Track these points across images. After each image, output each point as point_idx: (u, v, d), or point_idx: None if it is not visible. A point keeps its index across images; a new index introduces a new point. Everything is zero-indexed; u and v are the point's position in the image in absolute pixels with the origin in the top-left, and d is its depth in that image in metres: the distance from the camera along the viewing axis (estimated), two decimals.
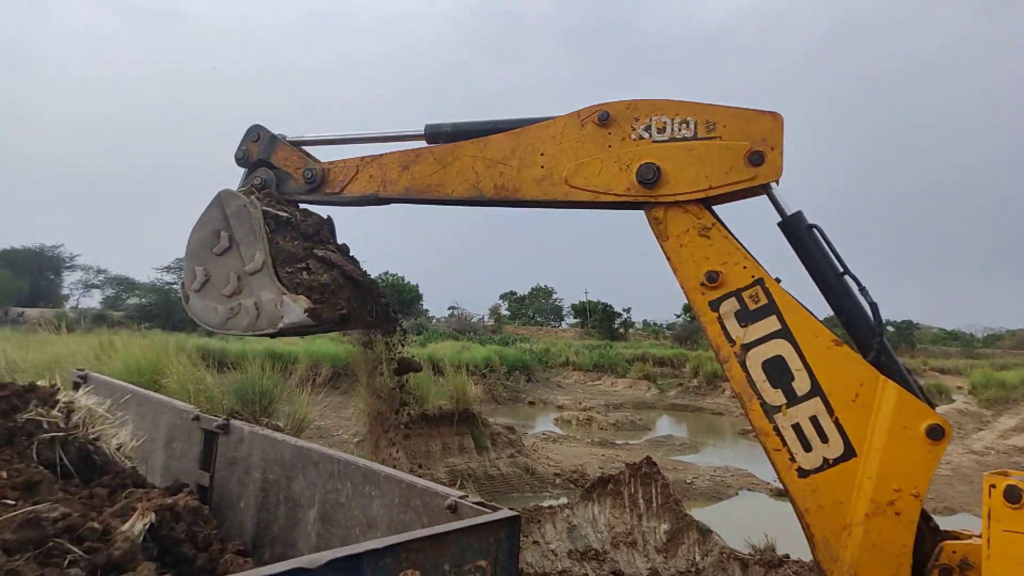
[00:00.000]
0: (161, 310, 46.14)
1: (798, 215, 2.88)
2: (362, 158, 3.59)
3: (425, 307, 75.95)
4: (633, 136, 2.96)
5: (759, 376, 2.79)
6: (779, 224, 2.94)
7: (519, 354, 35.08)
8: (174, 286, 53.71)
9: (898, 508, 2.55)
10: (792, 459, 2.75)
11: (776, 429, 2.76)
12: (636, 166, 2.91)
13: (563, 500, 10.90)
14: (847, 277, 2.84)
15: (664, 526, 8.50)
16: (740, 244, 2.89)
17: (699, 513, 9.83)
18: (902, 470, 2.57)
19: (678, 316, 73.11)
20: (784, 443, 2.75)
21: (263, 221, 3.27)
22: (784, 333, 2.76)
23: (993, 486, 2.40)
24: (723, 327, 2.85)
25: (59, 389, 3.71)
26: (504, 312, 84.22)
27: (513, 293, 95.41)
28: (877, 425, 2.61)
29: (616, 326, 67.11)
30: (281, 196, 3.72)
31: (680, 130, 2.90)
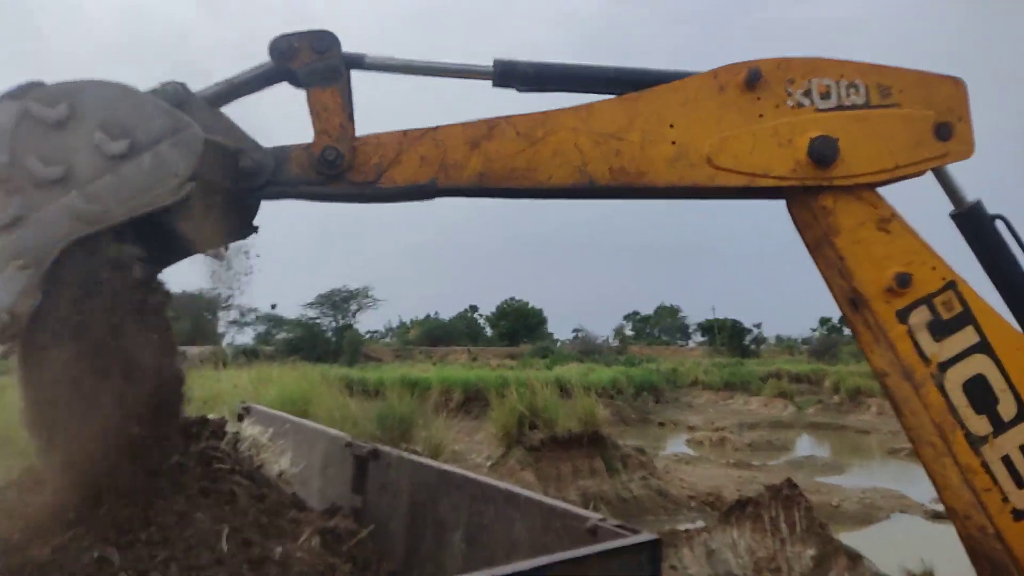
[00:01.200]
0: (306, 343, 49.08)
1: (978, 205, 2.44)
2: (404, 132, 2.50)
3: (550, 330, 76.62)
4: (790, 103, 2.37)
5: (961, 401, 2.34)
6: (952, 215, 2.52)
7: (646, 374, 34.58)
8: (318, 320, 57.32)
9: None
10: (1005, 499, 2.32)
11: (984, 464, 2.33)
12: (804, 141, 2.33)
13: (700, 524, 10.63)
14: None
15: (810, 551, 8.12)
16: (923, 240, 2.41)
17: (847, 538, 9.30)
18: None
19: (814, 330, 69.61)
20: (995, 480, 2.32)
21: None
22: (983, 347, 2.32)
23: None
24: (915, 343, 2.35)
25: (227, 421, 4.12)
26: (629, 332, 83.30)
27: (637, 313, 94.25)
28: None
29: (747, 342, 64.58)
30: (274, 191, 2.52)
31: (849, 95, 2.36)
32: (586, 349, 55.24)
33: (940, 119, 2.34)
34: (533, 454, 13.81)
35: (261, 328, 59.58)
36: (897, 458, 20.16)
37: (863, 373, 38.47)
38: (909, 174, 2.38)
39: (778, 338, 76.01)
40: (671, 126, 2.38)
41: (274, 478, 3.54)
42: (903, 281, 2.32)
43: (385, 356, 54.56)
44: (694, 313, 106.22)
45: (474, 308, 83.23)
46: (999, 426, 2.31)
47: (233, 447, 3.77)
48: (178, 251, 2.61)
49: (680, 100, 2.40)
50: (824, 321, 69.25)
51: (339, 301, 57.50)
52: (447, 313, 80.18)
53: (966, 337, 2.33)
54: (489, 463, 13.96)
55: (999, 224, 2.45)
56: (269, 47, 2.49)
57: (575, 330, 72.69)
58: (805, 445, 23.71)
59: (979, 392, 2.31)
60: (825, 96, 2.36)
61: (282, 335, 55.20)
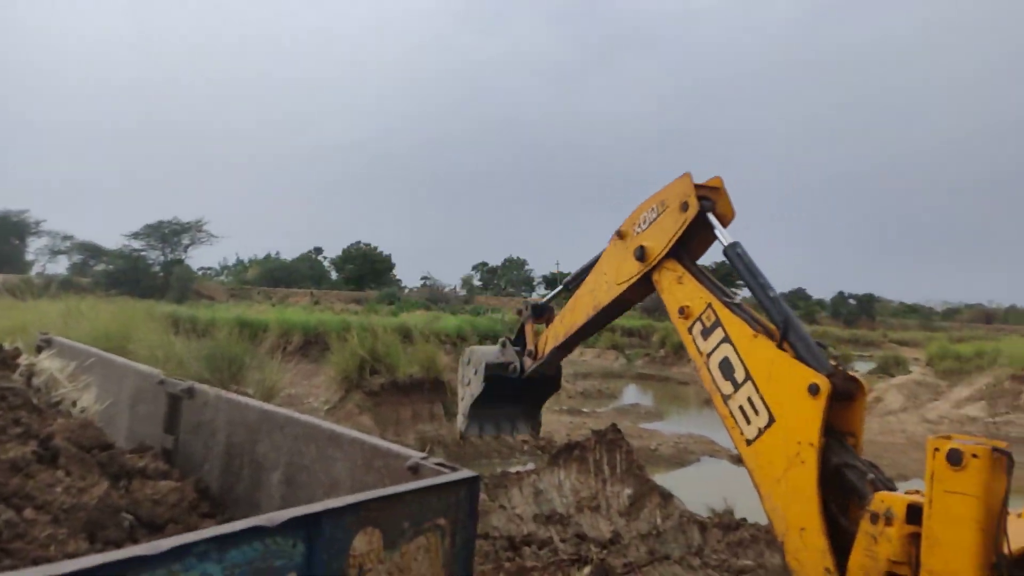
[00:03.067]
0: (129, 277, 45.39)
1: (731, 245, 3.59)
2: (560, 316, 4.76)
3: (398, 277, 75.82)
4: (634, 234, 4.01)
5: (717, 375, 3.47)
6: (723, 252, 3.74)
7: (491, 324, 35.22)
8: (143, 253, 52.95)
9: (803, 458, 2.98)
10: (741, 433, 3.31)
11: (730, 413, 3.38)
12: (632, 251, 3.97)
13: (530, 466, 11.09)
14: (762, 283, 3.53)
15: (627, 491, 8.71)
16: (703, 282, 3.67)
17: (662, 478, 10.09)
18: (799, 425, 3.04)
19: None
20: (736, 422, 3.35)
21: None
22: (727, 339, 3.45)
23: (937, 449, 2.49)
24: (695, 344, 3.61)
25: (20, 352, 3.70)
26: (476, 283, 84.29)
27: (485, 264, 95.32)
28: (782, 393, 3.15)
29: None
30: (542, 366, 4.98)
31: (652, 214, 3.91)
32: (433, 297, 55.34)
33: (681, 201, 3.73)
34: (372, 398, 13.72)
35: (78, 258, 54.33)
36: (710, 408, 22.01)
37: None
38: (678, 238, 3.73)
39: None
40: (604, 273, 4.24)
41: (75, 414, 3.25)
42: (682, 311, 3.68)
43: (219, 295, 51.68)
44: (540, 266, 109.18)
45: (319, 250, 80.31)
46: (736, 386, 3.37)
47: (27, 380, 3.41)
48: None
49: (605, 257, 4.27)
50: None
51: (168, 234, 53.36)
52: (289, 254, 76.91)
53: (718, 335, 3.49)
54: (326, 407, 13.71)
55: (736, 251, 3.57)
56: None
57: (423, 278, 72.43)
58: (631, 394, 25.37)
59: (726, 368, 3.43)
60: (643, 222, 3.96)
61: (101, 267, 50.57)
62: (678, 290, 3.75)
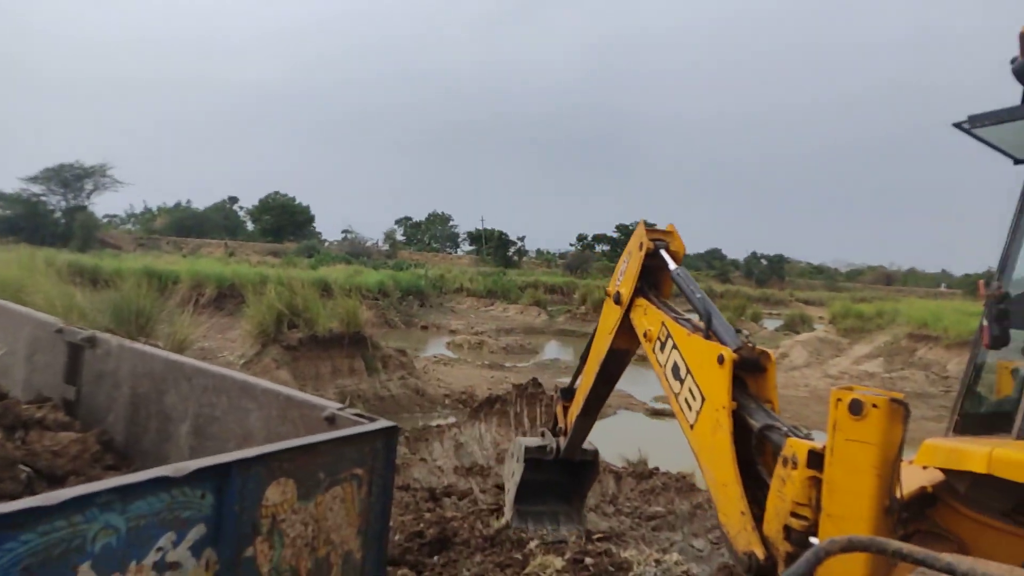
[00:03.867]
0: (27, 223, 42.61)
1: (675, 270, 4.30)
2: None
3: (317, 229, 73.84)
4: (615, 288, 4.72)
5: (670, 378, 3.88)
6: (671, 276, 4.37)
7: (413, 279, 34.95)
8: (43, 198, 49.60)
9: (720, 422, 3.28)
10: (687, 420, 3.65)
11: (680, 407, 3.76)
12: (613, 298, 4.73)
13: (451, 420, 11.18)
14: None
15: None
16: (661, 308, 4.27)
17: None
18: (715, 393, 3.38)
19: (572, 245, 74.65)
20: (683, 413, 3.71)
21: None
22: (674, 345, 3.92)
23: (839, 400, 2.61)
24: (656, 358, 4.10)
25: None
26: (399, 238, 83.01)
27: (409, 218, 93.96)
28: (705, 372, 3.49)
29: (510, 254, 67.80)
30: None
31: (623, 266, 4.67)
32: (355, 251, 54.28)
33: (637, 243, 4.49)
34: (291, 353, 13.44)
35: None
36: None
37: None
38: (641, 275, 4.49)
39: (539, 251, 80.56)
40: (600, 330, 5.11)
41: None
42: (646, 335, 4.28)
43: (126, 244, 49.20)
44: (465, 222, 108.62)
45: (234, 199, 76.92)
46: (681, 381, 3.77)
47: None
48: None
49: (601, 317, 5.09)
50: (581, 238, 74.42)
51: (71, 178, 50.16)
52: (202, 203, 73.50)
53: (669, 345, 3.97)
54: (242, 361, 13.35)
55: (679, 274, 4.26)
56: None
57: (344, 231, 70.46)
58: (553, 349, 25.77)
59: (675, 370, 3.85)
60: (619, 275, 4.70)
61: None
62: (644, 320, 4.36)
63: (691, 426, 3.59)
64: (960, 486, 3.04)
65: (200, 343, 14.95)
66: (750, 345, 3.43)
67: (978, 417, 3.52)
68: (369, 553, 2.03)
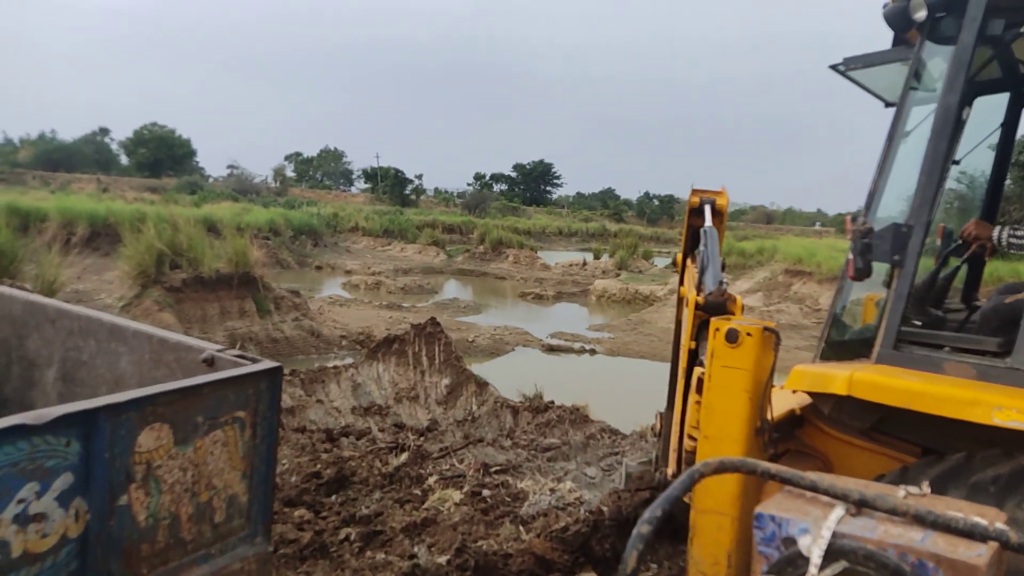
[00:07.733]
0: None
1: (705, 228, 3.78)
2: None
3: (200, 164, 69.63)
4: None
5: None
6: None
7: (306, 218, 33.85)
8: None
9: (683, 359, 3.35)
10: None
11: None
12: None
13: (348, 361, 11.04)
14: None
15: (445, 381, 8.97)
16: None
17: (478, 368, 10.47)
18: (684, 334, 3.38)
19: (469, 185, 74.19)
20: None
21: None
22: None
23: (717, 329, 2.75)
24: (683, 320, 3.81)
25: None
26: (290, 174, 79.61)
27: (299, 154, 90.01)
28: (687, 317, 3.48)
29: (408, 192, 66.65)
30: None
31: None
32: (241, 188, 51.60)
33: (691, 206, 4.03)
34: (174, 295, 12.79)
35: None
36: (525, 301, 23.08)
37: (505, 227, 42.58)
38: (687, 235, 4.12)
39: (436, 190, 79.58)
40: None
41: None
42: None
43: None
44: (359, 159, 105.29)
45: (105, 131, 71.04)
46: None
47: None
48: None
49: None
50: (479, 177, 74.07)
51: None
52: (69, 134, 67.59)
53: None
54: (121, 304, 12.60)
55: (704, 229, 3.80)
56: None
57: (229, 166, 66.63)
58: (451, 289, 25.80)
59: None
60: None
61: None
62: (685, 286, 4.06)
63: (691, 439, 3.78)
64: (825, 408, 3.29)
65: (73, 285, 14.00)
66: (718, 290, 3.38)
67: (843, 344, 3.78)
68: (255, 496, 1.98)
